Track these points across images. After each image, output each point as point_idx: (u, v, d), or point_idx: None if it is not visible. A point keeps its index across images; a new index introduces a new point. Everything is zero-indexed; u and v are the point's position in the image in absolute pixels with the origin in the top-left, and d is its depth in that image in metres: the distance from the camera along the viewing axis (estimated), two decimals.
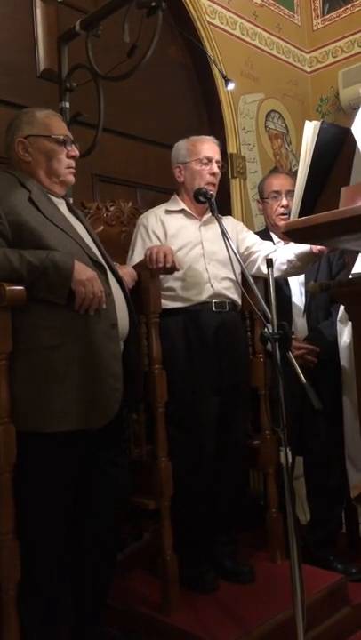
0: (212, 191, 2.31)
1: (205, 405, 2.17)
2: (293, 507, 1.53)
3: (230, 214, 3.25)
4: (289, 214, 1.98)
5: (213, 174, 2.33)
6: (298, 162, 3.75)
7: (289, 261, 2.22)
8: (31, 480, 1.65)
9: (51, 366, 1.64)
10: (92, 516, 1.81)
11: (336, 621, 2.10)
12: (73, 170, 1.88)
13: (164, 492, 1.97)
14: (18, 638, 1.57)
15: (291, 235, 1.79)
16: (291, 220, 1.77)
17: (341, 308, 2.34)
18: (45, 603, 1.70)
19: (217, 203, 2.23)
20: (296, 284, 2.57)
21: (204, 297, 2.21)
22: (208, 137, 2.43)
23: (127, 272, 2.00)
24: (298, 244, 2.19)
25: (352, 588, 2.25)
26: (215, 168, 2.33)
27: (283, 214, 2.61)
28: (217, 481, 2.22)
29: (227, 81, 2.74)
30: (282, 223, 2.57)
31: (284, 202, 2.61)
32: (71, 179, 1.89)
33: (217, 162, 2.35)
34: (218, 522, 2.26)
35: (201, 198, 2.18)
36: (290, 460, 1.54)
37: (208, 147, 2.36)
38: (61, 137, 1.84)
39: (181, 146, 2.38)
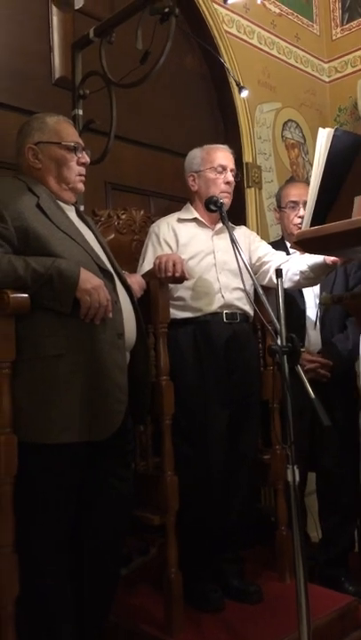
0: (227, 200, 2.28)
1: (214, 419, 2.12)
2: (301, 525, 1.47)
3: (245, 224, 3.21)
4: None
5: (228, 183, 2.29)
6: None
7: (302, 272, 2.16)
8: (32, 491, 1.61)
9: (54, 376, 1.61)
10: (95, 530, 1.76)
11: None
12: (83, 177, 1.86)
13: (169, 507, 1.92)
14: None
15: (302, 244, 1.75)
16: (303, 229, 1.73)
17: None
18: (45, 619, 1.66)
19: (232, 212, 2.19)
20: (311, 296, 2.51)
21: (214, 307, 2.17)
22: (222, 145, 2.40)
23: (136, 281, 1.97)
24: (312, 255, 2.14)
25: None
26: (230, 177, 2.30)
27: (300, 224, 2.56)
28: (225, 496, 2.16)
29: (240, 88, 2.71)
30: (297, 232, 2.54)
31: (302, 212, 2.55)
32: (81, 186, 1.86)
33: (231, 170, 2.31)
34: (225, 539, 2.20)
35: (212, 207, 2.14)
36: (297, 478, 1.49)
37: (223, 155, 2.33)
38: (72, 144, 1.82)
39: (195, 154, 2.35)
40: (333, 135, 1.67)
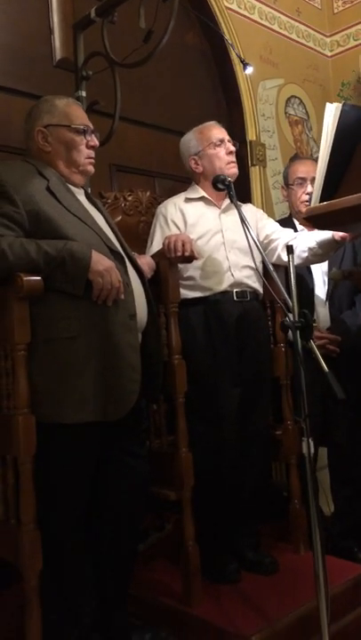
0: (235, 169, 2.29)
1: (227, 396, 2.14)
2: (317, 497, 1.50)
3: (250, 202, 3.20)
4: None
5: (230, 153, 2.30)
6: (319, 147, 3.68)
7: (310, 249, 2.17)
8: (50, 470, 1.64)
9: (69, 357, 1.63)
10: (111, 507, 1.80)
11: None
12: (92, 160, 1.87)
13: (185, 483, 1.95)
14: (40, 627, 1.57)
15: (312, 220, 1.76)
16: (312, 205, 1.74)
17: None
18: (67, 592, 1.70)
19: (237, 191, 2.19)
20: (319, 273, 2.52)
21: (224, 286, 2.18)
22: (211, 122, 2.39)
23: (146, 262, 1.98)
24: (320, 232, 2.15)
25: None
26: (230, 146, 2.31)
27: (307, 201, 2.55)
28: (240, 472, 2.19)
29: (245, 65, 2.69)
30: (305, 209, 2.54)
31: (310, 189, 2.54)
32: (91, 169, 1.87)
33: (229, 141, 2.32)
34: (241, 513, 2.24)
35: (220, 185, 2.14)
36: (312, 451, 1.51)
37: (216, 130, 2.34)
38: (81, 127, 1.82)
39: (190, 138, 2.36)
40: (341, 110, 1.67)
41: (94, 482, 1.74)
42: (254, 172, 3.45)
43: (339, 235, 2.06)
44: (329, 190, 1.70)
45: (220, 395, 2.13)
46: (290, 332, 1.59)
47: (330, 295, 2.48)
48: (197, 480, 1.98)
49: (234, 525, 2.23)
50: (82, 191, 1.89)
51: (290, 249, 1.64)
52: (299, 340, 1.52)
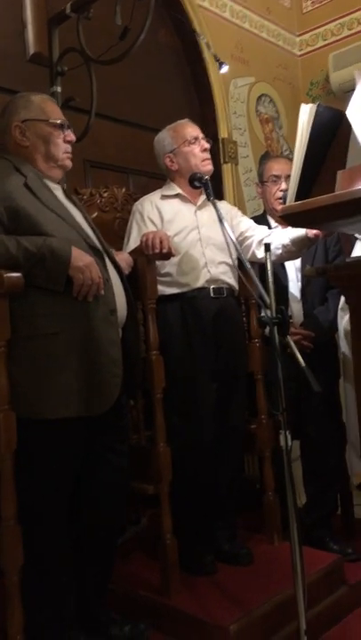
0: (210, 166, 2.31)
1: (204, 391, 2.18)
2: (294, 489, 1.54)
3: (223, 199, 3.24)
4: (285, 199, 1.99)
5: (205, 149, 2.33)
6: (289, 146, 3.77)
7: (284, 246, 2.22)
8: (32, 466, 1.65)
9: (50, 353, 1.64)
10: (93, 502, 1.81)
11: (334, 601, 2.13)
12: (70, 155, 1.87)
13: (163, 478, 1.98)
14: (21, 623, 1.57)
15: (288, 219, 1.79)
16: (288, 204, 1.78)
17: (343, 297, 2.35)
18: (48, 587, 1.71)
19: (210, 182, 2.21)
20: (292, 270, 2.57)
21: (201, 282, 2.21)
22: (184, 120, 2.41)
23: (123, 258, 2.00)
24: (293, 229, 2.20)
25: (348, 568, 2.28)
26: (205, 143, 2.34)
27: (281, 198, 2.60)
28: (216, 466, 2.23)
29: (220, 64, 2.72)
30: (279, 207, 2.58)
31: (284, 186, 2.60)
32: (69, 163, 1.88)
33: (203, 138, 2.35)
34: (216, 506, 2.28)
35: (196, 183, 2.17)
36: (289, 444, 1.55)
37: (191, 127, 2.36)
38: (59, 121, 1.83)
39: (164, 136, 2.37)
40: (316, 110, 1.70)
41: (76, 477, 1.75)
42: (226, 169, 3.49)
43: (312, 232, 2.11)
44: (304, 189, 1.74)
45: (198, 390, 2.17)
46: (267, 327, 1.63)
47: (303, 291, 2.54)
48: (174, 474, 2.00)
49: (210, 518, 2.26)
50: (59, 187, 1.90)
51: (267, 247, 1.67)
52: (276, 335, 1.56)
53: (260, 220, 2.62)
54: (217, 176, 3.33)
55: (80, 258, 1.65)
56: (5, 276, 1.56)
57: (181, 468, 2.04)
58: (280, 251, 2.23)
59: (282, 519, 2.29)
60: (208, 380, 2.19)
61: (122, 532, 2.42)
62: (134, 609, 1.99)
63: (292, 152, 3.81)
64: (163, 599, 1.97)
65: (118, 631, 1.82)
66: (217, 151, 3.37)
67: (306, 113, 1.74)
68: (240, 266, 2.15)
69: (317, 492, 2.57)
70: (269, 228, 2.52)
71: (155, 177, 2.89)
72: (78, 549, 1.81)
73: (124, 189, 2.55)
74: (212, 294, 2.21)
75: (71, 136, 1.86)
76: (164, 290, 2.17)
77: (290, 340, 1.58)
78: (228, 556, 2.23)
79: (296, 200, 1.77)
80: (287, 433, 1.56)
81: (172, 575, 1.99)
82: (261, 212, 2.86)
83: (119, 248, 2.28)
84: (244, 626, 1.84)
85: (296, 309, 2.55)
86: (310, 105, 1.76)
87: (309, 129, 1.74)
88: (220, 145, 3.41)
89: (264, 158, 3.37)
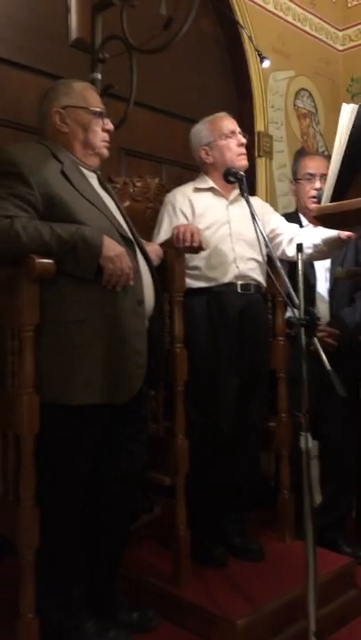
0: (245, 161, 2.30)
1: (225, 387, 2.18)
2: (311, 490, 1.54)
3: (255, 194, 3.22)
4: (320, 198, 1.97)
5: (241, 144, 2.31)
6: (325, 143, 3.72)
7: (315, 245, 2.20)
8: (53, 450, 1.67)
9: (76, 340, 1.65)
10: (109, 489, 1.83)
11: (343, 603, 2.13)
12: (108, 144, 1.88)
13: (180, 470, 1.99)
14: (33, 602, 1.60)
15: (322, 219, 1.78)
16: (322, 204, 1.76)
17: None
18: (61, 569, 1.74)
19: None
20: (321, 270, 2.55)
21: (229, 277, 2.20)
22: (222, 113, 2.39)
23: (154, 249, 2.00)
24: (325, 229, 2.17)
25: (360, 572, 2.28)
26: (241, 138, 2.32)
27: (315, 197, 2.58)
28: (232, 461, 2.24)
29: (262, 58, 2.70)
30: (313, 206, 2.56)
31: (318, 185, 2.57)
32: (106, 152, 1.89)
33: (240, 132, 2.33)
34: (229, 501, 2.29)
35: (231, 178, 2.15)
36: (310, 445, 1.55)
37: (228, 121, 2.34)
38: (98, 109, 1.84)
39: (201, 128, 2.36)
40: (357, 111, 1.68)
41: (94, 464, 1.77)
42: (260, 163, 3.47)
43: (345, 234, 2.09)
44: (340, 190, 1.73)
45: (219, 385, 2.17)
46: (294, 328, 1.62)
47: (331, 292, 2.52)
48: (190, 466, 2.01)
49: (222, 512, 2.27)
50: (94, 175, 1.90)
51: (300, 247, 1.66)
52: (303, 337, 1.55)
53: (292, 217, 2.60)
54: (251, 170, 3.30)
55: (111, 247, 1.66)
56: (38, 261, 1.58)
57: (197, 461, 2.05)
58: (311, 250, 2.21)
59: (296, 518, 2.29)
60: (230, 376, 2.19)
61: (135, 519, 2.45)
62: (143, 595, 2.01)
63: (327, 149, 3.78)
64: (172, 589, 1.99)
65: (127, 616, 1.85)
66: (252, 145, 3.34)
67: (347, 113, 1.73)
68: (270, 263, 2.14)
69: (334, 494, 2.56)
70: (301, 226, 2.50)
71: (188, 168, 2.89)
72: (92, 534, 1.84)
73: (157, 180, 2.54)
74: (239, 290, 2.20)
75: (110, 125, 1.87)
76: (192, 283, 2.17)
77: (317, 342, 1.57)
78: (240, 550, 2.24)
79: (331, 201, 1.76)
80: (308, 435, 1.56)
81: (184, 566, 2.01)
82: (293, 209, 2.83)
83: (149, 238, 2.29)
84: (251, 621, 1.85)
85: (323, 309, 2.52)
86: (352, 105, 1.74)
87: (350, 129, 1.72)
88: (256, 138, 3.38)
89: (299, 155, 3.33)
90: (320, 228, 2.22)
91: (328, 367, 1.52)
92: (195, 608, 1.91)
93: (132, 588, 2.04)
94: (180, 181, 2.47)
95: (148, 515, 2.58)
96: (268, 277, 2.29)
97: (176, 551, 2.01)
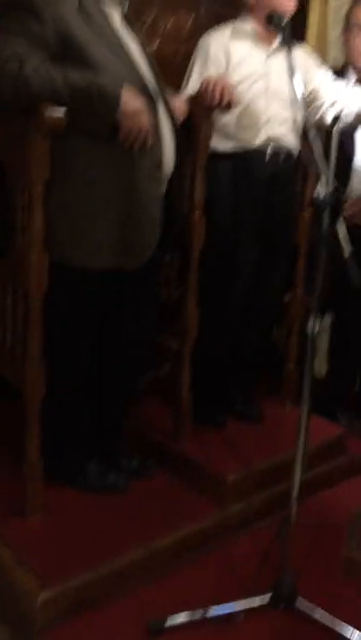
0: (292, 3, 2.03)
1: (244, 256, 2.12)
2: (312, 365, 1.54)
3: (304, 38, 2.86)
4: None
5: None
6: None
7: (358, 114, 1.99)
8: (60, 310, 1.68)
9: (87, 201, 1.59)
10: (117, 350, 1.87)
11: (332, 468, 2.27)
12: None
13: (188, 336, 2.02)
14: (39, 446, 1.71)
15: None
16: None
17: None
18: (67, 417, 1.84)
19: (291, 22, 1.93)
20: None
21: (259, 140, 2.04)
22: None
23: (178, 105, 1.83)
24: None
25: (353, 443, 2.38)
26: None
27: None
28: (243, 331, 2.25)
29: None
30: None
31: None
32: None
33: None
34: (237, 369, 2.34)
35: (272, 27, 1.89)
36: (316, 331, 1.53)
37: None
38: None
39: None
40: None
41: (104, 327, 1.79)
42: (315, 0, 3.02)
43: None
44: None
45: (238, 254, 2.11)
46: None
47: None
48: (200, 332, 2.03)
49: (229, 379, 2.34)
50: (118, 11, 1.68)
51: (335, 120, 1.50)
52: (327, 219, 1.46)
53: (340, 73, 2.32)
54: (301, 8, 2.90)
55: (130, 102, 1.52)
56: (47, 114, 1.45)
57: (209, 329, 2.07)
58: (352, 117, 2.01)
59: (298, 387, 2.35)
60: (250, 245, 2.12)
61: (143, 373, 2.54)
62: (144, 447, 2.14)
63: None
64: (171, 442, 2.12)
65: (127, 463, 2.00)
66: None
67: None
68: (303, 133, 1.96)
69: (340, 367, 2.61)
70: (348, 85, 2.24)
71: (232, 4, 2.53)
72: (99, 388, 1.91)
73: (193, 17, 2.25)
74: (268, 156, 2.05)
75: None
76: (218, 144, 2.02)
77: (339, 226, 1.47)
78: (240, 413, 2.34)
79: None
80: (315, 319, 1.53)
81: (184, 423, 2.12)
82: (343, 63, 2.52)
83: (178, 87, 2.08)
84: (241, 478, 1.99)
85: (358, 185, 2.36)
86: None
87: None
88: None
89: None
90: None
91: (346, 253, 1.45)
92: (190, 462, 2.04)
93: (133, 440, 2.17)
94: (220, 20, 2.18)
95: (156, 370, 2.67)
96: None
97: (178, 410, 2.11)
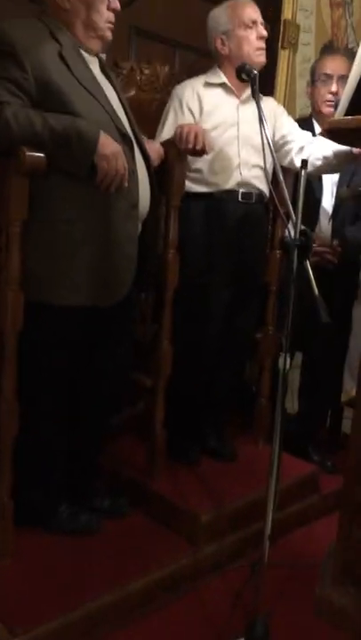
0: (262, 57, 2.15)
1: (217, 296, 2.16)
2: (284, 396, 1.56)
3: (273, 90, 3.01)
4: (337, 103, 1.83)
5: (261, 38, 2.13)
6: (356, 38, 3.39)
7: (325, 158, 2.10)
8: (35, 348, 1.68)
9: (65, 241, 1.62)
10: (92, 387, 1.87)
11: (304, 507, 2.28)
12: (112, 25, 1.72)
13: (162, 373, 2.04)
14: (10, 485, 1.68)
15: (333, 134, 1.68)
16: (336, 116, 1.65)
17: None
18: (40, 456, 1.82)
19: (261, 75, 2.03)
20: (329, 184, 2.44)
21: (231, 184, 2.12)
22: None
23: (154, 149, 1.90)
24: None
25: (324, 480, 2.40)
26: (262, 30, 2.14)
27: (329, 101, 2.41)
28: (216, 369, 2.28)
29: None
30: (327, 110, 2.41)
31: (334, 88, 2.39)
32: (109, 34, 1.73)
33: (261, 23, 2.14)
34: (210, 405, 2.36)
35: (243, 76, 1.99)
36: (288, 367, 1.57)
37: (251, 9, 2.14)
38: None
39: (220, 13, 2.15)
40: None
41: (79, 364, 1.80)
42: (283, 55, 3.19)
43: (358, 150, 1.98)
44: (357, 104, 1.60)
45: (211, 296, 2.15)
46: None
47: (335, 208, 2.43)
48: (174, 369, 2.05)
49: (202, 416, 2.35)
50: (96, 60, 1.76)
51: (304, 163, 1.57)
52: (296, 259, 1.51)
53: (305, 123, 2.43)
54: (272, 63, 3.05)
55: (107, 145, 1.57)
56: (28, 154, 1.50)
57: (182, 366, 2.09)
58: (320, 162, 2.11)
59: (270, 424, 2.37)
60: (223, 285, 2.17)
61: (117, 412, 2.54)
62: (117, 485, 2.13)
63: (358, 45, 3.48)
64: (145, 480, 2.11)
65: (99, 502, 1.97)
66: (276, 35, 3.06)
67: None
68: (273, 175, 2.04)
69: (310, 406, 2.65)
70: (313, 134, 2.36)
71: (204, 55, 2.66)
72: (73, 426, 1.90)
73: (167, 68, 2.36)
74: (240, 198, 2.13)
75: (116, 3, 1.70)
76: (192, 187, 2.08)
77: (308, 265, 1.53)
78: (213, 450, 2.34)
79: (346, 114, 1.64)
80: (287, 356, 1.57)
81: (158, 460, 2.11)
82: (308, 114, 2.66)
83: (153, 134, 2.17)
84: (214, 517, 1.98)
85: (325, 225, 2.45)
86: None
87: None
88: (281, 27, 3.09)
89: (324, 51, 3.07)
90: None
91: (316, 292, 1.50)
92: (164, 501, 2.03)
93: (107, 477, 2.15)
94: (195, 70, 2.29)
95: (131, 408, 2.67)
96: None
97: (152, 447, 2.11)
